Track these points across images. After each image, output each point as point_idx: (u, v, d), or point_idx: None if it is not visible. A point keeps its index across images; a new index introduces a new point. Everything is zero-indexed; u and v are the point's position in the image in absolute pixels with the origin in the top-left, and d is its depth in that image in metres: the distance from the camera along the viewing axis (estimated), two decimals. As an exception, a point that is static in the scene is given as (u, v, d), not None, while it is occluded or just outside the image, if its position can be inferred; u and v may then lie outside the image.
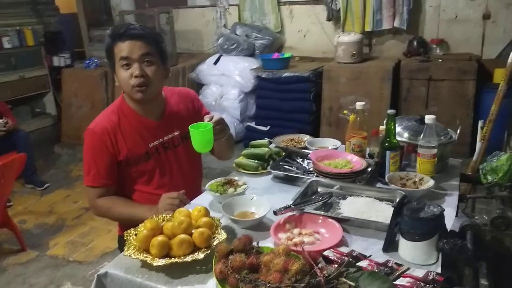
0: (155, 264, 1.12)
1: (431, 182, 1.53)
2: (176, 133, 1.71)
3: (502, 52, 3.78)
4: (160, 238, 1.17)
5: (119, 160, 1.61)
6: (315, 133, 3.74)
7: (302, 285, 0.96)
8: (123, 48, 1.52)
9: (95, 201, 1.60)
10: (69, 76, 4.85)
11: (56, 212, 3.38)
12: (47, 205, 3.50)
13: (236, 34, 4.45)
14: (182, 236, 1.18)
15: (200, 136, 1.44)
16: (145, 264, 1.16)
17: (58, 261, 2.71)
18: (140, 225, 1.29)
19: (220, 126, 1.53)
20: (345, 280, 0.96)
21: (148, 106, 1.64)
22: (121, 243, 1.72)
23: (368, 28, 4.05)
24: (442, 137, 1.71)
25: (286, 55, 4.18)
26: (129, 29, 1.53)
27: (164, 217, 1.33)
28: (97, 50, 4.89)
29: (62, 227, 3.14)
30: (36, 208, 3.46)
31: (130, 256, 1.16)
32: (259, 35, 4.41)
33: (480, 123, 2.44)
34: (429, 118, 1.58)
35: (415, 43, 3.94)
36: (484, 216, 2.50)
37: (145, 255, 1.16)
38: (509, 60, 2.35)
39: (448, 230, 1.21)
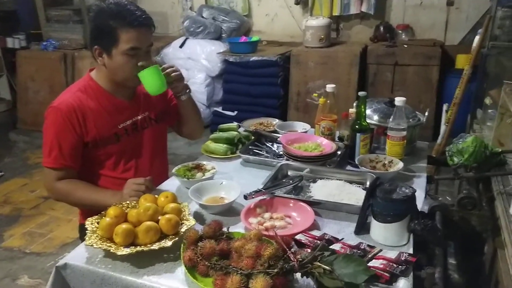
0: (119, 253, 1.06)
1: (401, 164, 1.54)
2: (145, 114, 1.64)
3: (464, 38, 3.88)
4: (124, 225, 1.11)
5: (85, 141, 1.50)
6: (283, 118, 3.72)
7: (276, 270, 0.93)
8: (134, 36, 1.42)
9: (54, 183, 1.48)
10: (25, 59, 4.58)
11: (11, 201, 3.20)
12: (1, 194, 3.30)
13: (203, 17, 4.34)
14: (148, 223, 1.12)
15: (149, 75, 1.46)
16: (108, 254, 1.09)
17: (14, 253, 2.56)
18: (102, 212, 1.21)
19: (172, 69, 1.55)
20: (319, 264, 0.93)
21: (122, 86, 1.55)
22: (83, 233, 1.62)
23: (336, 12, 4.05)
24: (410, 120, 1.72)
25: (254, 38, 4.11)
26: (140, 16, 1.44)
27: (129, 204, 1.27)
28: (55, 31, 4.63)
29: (18, 217, 2.98)
30: (-10, 198, 3.27)
31: (92, 245, 1.08)
32: (226, 18, 4.31)
33: (445, 107, 2.49)
34: (399, 100, 1.57)
35: (381, 28, 3.97)
36: (448, 197, 2.58)
37: (108, 244, 1.09)
38: (473, 45, 2.40)
39: (419, 211, 1.21)
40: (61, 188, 1.49)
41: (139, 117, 1.62)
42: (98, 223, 1.17)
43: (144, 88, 1.52)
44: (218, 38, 4.29)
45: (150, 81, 1.48)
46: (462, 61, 3.46)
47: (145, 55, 1.48)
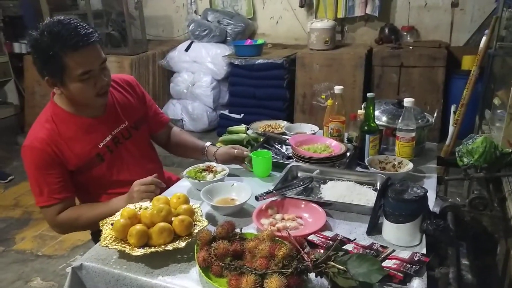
0: (134, 254, 1.06)
1: (410, 165, 1.54)
2: (124, 124, 1.55)
3: (470, 40, 3.88)
4: (138, 226, 1.12)
5: (69, 169, 1.44)
6: (289, 120, 3.67)
7: (290, 270, 0.94)
8: (81, 60, 1.31)
9: (56, 218, 1.42)
10: (32, 64, 4.59)
11: (22, 205, 3.22)
12: (11, 198, 3.33)
13: (208, 20, 4.36)
14: (162, 224, 1.13)
15: (262, 163, 1.59)
16: (123, 255, 1.10)
17: (25, 256, 2.58)
18: (116, 213, 1.22)
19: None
20: (333, 263, 0.94)
21: (89, 107, 1.46)
22: (95, 234, 1.63)
23: (340, 14, 4.05)
24: (419, 121, 1.72)
25: (259, 41, 4.13)
26: (82, 35, 1.30)
27: (141, 205, 1.28)
28: (61, 36, 4.65)
29: (29, 220, 3.00)
30: (0, 201, 3.29)
31: (106, 246, 1.09)
32: (231, 21, 4.33)
33: (452, 108, 2.48)
34: (407, 101, 1.58)
35: (386, 30, 3.98)
36: (457, 198, 2.57)
37: (123, 245, 1.10)
38: (481, 45, 2.40)
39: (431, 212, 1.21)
40: (65, 220, 1.43)
41: (118, 129, 1.53)
42: (112, 224, 1.18)
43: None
44: (223, 41, 4.31)
45: (260, 167, 1.59)
46: (468, 62, 3.46)
47: (100, 73, 1.38)
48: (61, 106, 1.45)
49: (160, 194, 1.38)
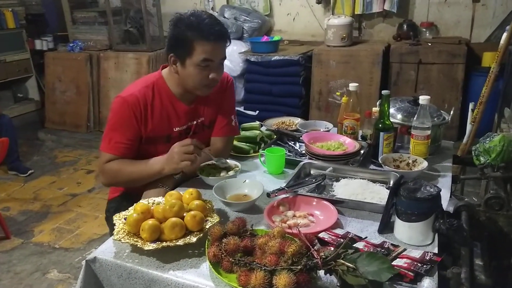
0: (146, 248, 1.08)
1: (425, 164, 1.52)
2: (201, 119, 1.65)
3: (491, 36, 3.78)
4: (150, 221, 1.14)
5: (141, 135, 1.54)
6: (305, 117, 3.66)
7: (299, 267, 0.94)
8: (209, 49, 1.43)
9: (104, 166, 1.50)
10: (53, 60, 4.71)
11: (40, 199, 3.30)
12: (31, 191, 3.42)
13: (224, 17, 4.36)
14: (174, 219, 1.14)
15: (275, 160, 1.60)
16: (135, 249, 1.12)
17: (43, 249, 2.65)
18: (129, 208, 1.25)
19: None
20: (343, 261, 0.93)
21: (189, 92, 1.57)
22: (111, 228, 1.64)
23: (358, 11, 4.00)
24: (435, 119, 1.69)
25: (276, 38, 4.12)
26: (217, 29, 1.44)
27: (154, 200, 1.30)
28: (81, 32, 4.74)
29: (47, 214, 3.07)
30: (20, 195, 3.37)
31: (119, 240, 1.12)
32: (247, 18, 4.33)
33: (471, 106, 2.44)
34: (423, 99, 1.56)
35: (405, 26, 3.91)
36: (474, 198, 2.52)
37: (135, 239, 1.12)
38: (501, 42, 2.34)
39: (444, 211, 1.20)
40: (111, 168, 1.50)
41: (194, 122, 1.63)
42: (125, 219, 1.20)
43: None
44: (240, 38, 4.32)
45: (274, 164, 1.60)
46: (489, 59, 3.38)
47: (217, 68, 1.49)
48: (166, 82, 1.57)
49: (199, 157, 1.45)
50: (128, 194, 1.63)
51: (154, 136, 1.55)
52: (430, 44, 3.63)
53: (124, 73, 4.42)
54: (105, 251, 1.15)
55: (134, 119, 1.50)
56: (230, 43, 1.52)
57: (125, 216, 1.22)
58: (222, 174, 1.54)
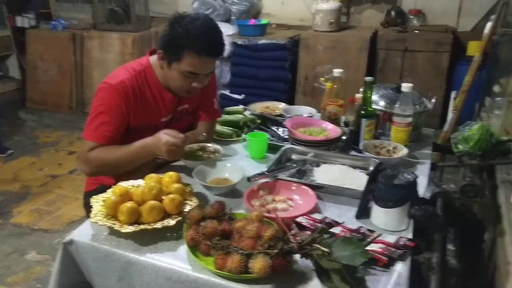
0: (123, 231, 1.08)
1: (405, 151, 1.54)
2: (184, 106, 1.63)
3: (478, 25, 3.81)
4: (129, 204, 1.13)
5: (128, 124, 1.49)
6: (290, 102, 3.69)
7: (275, 251, 0.95)
8: (197, 63, 1.39)
9: (87, 154, 1.43)
10: (34, 38, 4.59)
11: (20, 179, 3.25)
12: (10, 172, 3.36)
13: (212, -2, 4.30)
14: (152, 202, 1.14)
15: (257, 145, 1.60)
16: (113, 231, 1.12)
17: (22, 230, 2.61)
18: (107, 190, 1.24)
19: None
20: (318, 246, 0.95)
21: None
22: (87, 200, 1.60)
23: (346, -4, 3.98)
24: (417, 106, 1.71)
25: (263, 21, 4.08)
26: (212, 45, 1.40)
27: (133, 184, 1.29)
28: (64, 10, 4.62)
29: (26, 194, 3.03)
30: (-1, 175, 3.32)
31: (97, 222, 1.11)
32: (236, 1, 4.27)
33: (453, 94, 2.46)
34: (405, 86, 1.57)
35: (393, 13, 3.91)
36: (451, 185, 2.57)
37: (113, 221, 1.12)
38: (485, 31, 2.36)
39: (420, 197, 1.22)
40: (96, 156, 1.43)
41: (179, 109, 1.62)
42: (103, 201, 1.19)
43: None
44: (227, 20, 4.26)
45: (256, 149, 1.60)
46: (474, 48, 3.39)
47: (202, 78, 1.46)
48: (155, 70, 1.52)
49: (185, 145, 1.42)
50: (106, 187, 1.59)
51: (142, 126, 1.51)
52: (417, 32, 3.65)
53: (108, 53, 4.33)
54: (82, 233, 1.15)
55: (124, 108, 1.45)
56: (222, 56, 1.48)
57: (104, 198, 1.21)
58: (204, 157, 1.53)
